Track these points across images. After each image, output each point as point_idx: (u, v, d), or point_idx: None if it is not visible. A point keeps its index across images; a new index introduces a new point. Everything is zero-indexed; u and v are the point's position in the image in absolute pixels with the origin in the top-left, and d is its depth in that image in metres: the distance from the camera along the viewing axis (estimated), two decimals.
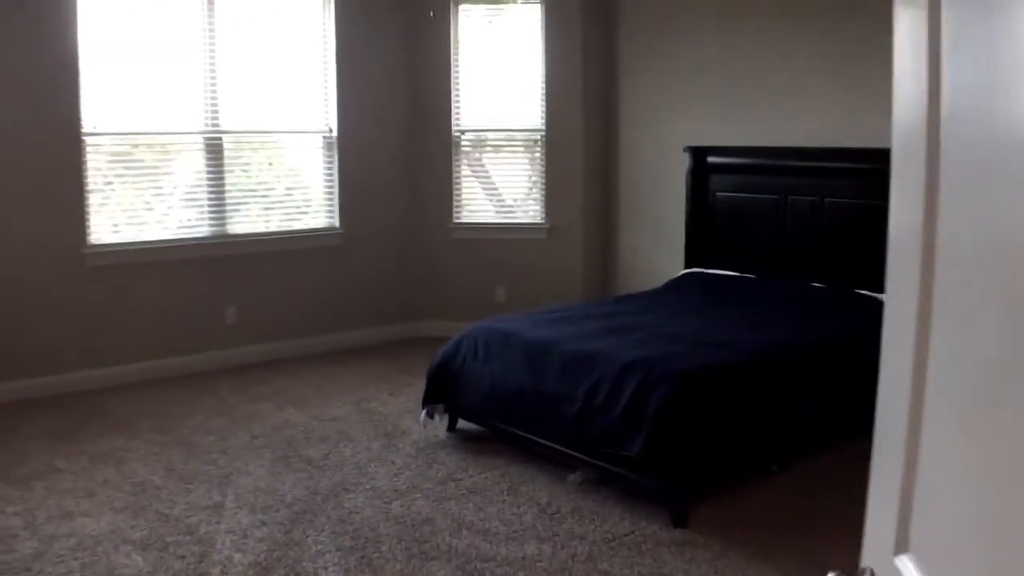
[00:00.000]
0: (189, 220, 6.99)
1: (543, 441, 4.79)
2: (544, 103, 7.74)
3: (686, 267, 6.95)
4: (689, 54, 7.20)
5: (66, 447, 5.35)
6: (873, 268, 6.04)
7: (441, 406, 5.39)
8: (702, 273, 6.70)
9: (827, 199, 6.19)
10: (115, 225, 6.69)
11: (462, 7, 7.71)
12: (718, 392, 4.37)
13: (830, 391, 4.96)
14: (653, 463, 4.16)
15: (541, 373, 4.76)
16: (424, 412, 5.39)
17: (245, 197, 7.25)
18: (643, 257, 7.71)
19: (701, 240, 6.94)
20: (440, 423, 5.48)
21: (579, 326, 5.19)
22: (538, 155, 7.84)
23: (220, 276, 7.06)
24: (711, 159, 6.90)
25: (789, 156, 6.43)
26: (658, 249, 7.53)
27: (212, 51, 6.86)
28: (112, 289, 6.60)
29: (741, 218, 6.72)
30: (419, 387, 5.88)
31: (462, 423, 5.47)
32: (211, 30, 6.85)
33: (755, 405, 4.53)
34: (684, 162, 6.99)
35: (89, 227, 6.51)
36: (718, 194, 6.88)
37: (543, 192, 7.84)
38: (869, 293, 5.74)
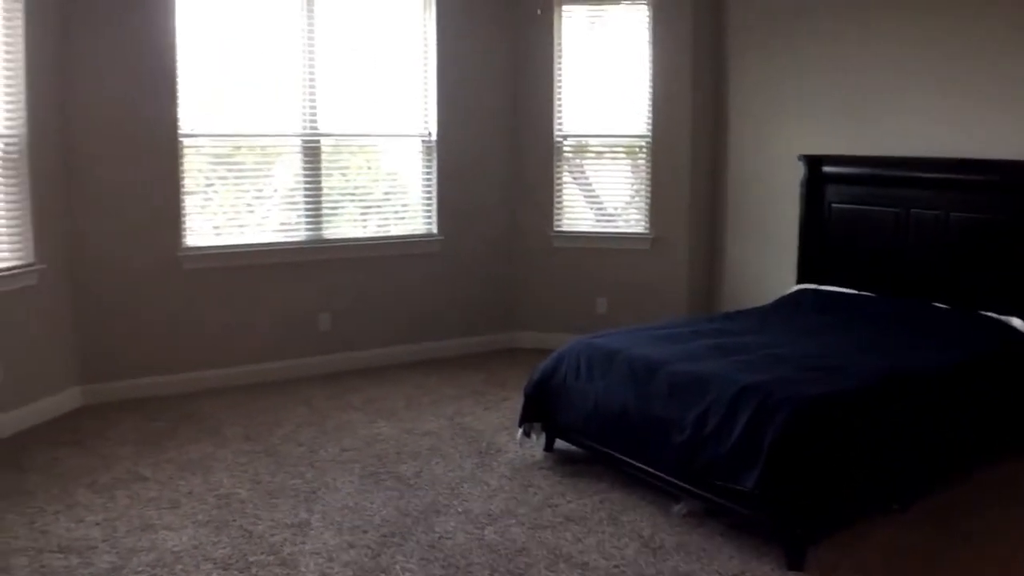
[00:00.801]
0: (286, 224, 6.87)
1: (647, 468, 4.48)
2: (650, 107, 7.42)
3: (798, 282, 6.57)
4: (804, 56, 6.82)
5: (154, 454, 5.23)
6: (1002, 288, 5.69)
7: (539, 425, 5.12)
8: (816, 290, 6.31)
9: (953, 213, 5.76)
10: (213, 228, 6.60)
11: (565, 8, 7.45)
12: (839, 422, 4.01)
13: (958, 421, 4.57)
14: (768, 498, 3.83)
15: (647, 395, 4.46)
16: (521, 430, 5.13)
17: (342, 201, 7.10)
18: (752, 271, 7.33)
19: (815, 254, 6.55)
20: (537, 442, 5.21)
21: (687, 344, 4.87)
22: (642, 162, 7.53)
23: (315, 281, 6.92)
24: (827, 168, 6.50)
25: (912, 167, 6.00)
26: (768, 263, 7.16)
27: (311, 52, 6.75)
28: (207, 292, 6.52)
29: (858, 232, 6.32)
30: (515, 402, 5.66)
31: (560, 443, 5.19)
32: (310, 31, 6.73)
33: (878, 436, 4.17)
34: (797, 171, 6.60)
35: (185, 230, 6.43)
36: (834, 206, 6.48)
37: (647, 200, 7.52)
38: (997, 316, 5.33)
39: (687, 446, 4.17)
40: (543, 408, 5.06)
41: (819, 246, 6.54)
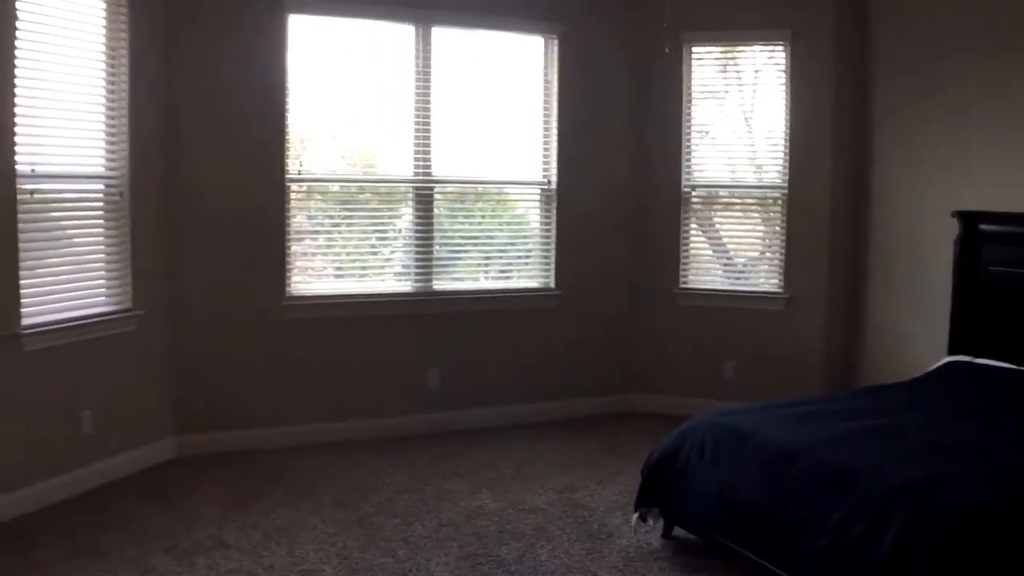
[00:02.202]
0: (394, 274, 6.55)
1: (778, 571, 3.90)
2: (786, 156, 6.88)
3: (949, 353, 5.89)
4: (958, 102, 6.14)
5: (240, 516, 4.91)
6: None
7: (656, 510, 4.60)
8: (971, 363, 5.61)
9: None
10: (317, 276, 6.35)
11: (694, 49, 6.99)
12: (1016, 535, 3.37)
13: None
14: None
15: (781, 487, 3.89)
16: (637, 514, 4.62)
17: (455, 252, 6.77)
18: (896, 338, 6.66)
19: (969, 322, 5.87)
20: (654, 527, 4.69)
21: (827, 426, 4.28)
22: (775, 214, 6.98)
23: (424, 335, 6.58)
24: (984, 227, 5.82)
25: None
26: (915, 330, 6.48)
27: (426, 96, 6.49)
28: (310, 343, 6.25)
29: (1020, 298, 5.63)
30: (631, 476, 5.19)
31: (679, 530, 4.65)
32: (425, 73, 6.46)
33: None
34: (951, 229, 5.93)
35: (290, 278, 6.17)
36: (991, 268, 5.80)
37: (782, 257, 6.96)
38: None
39: (827, 554, 3.58)
40: (662, 492, 4.52)
41: (974, 313, 5.85)
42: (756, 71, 7.02)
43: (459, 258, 6.81)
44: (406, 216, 6.57)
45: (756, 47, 6.97)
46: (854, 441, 4.09)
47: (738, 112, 7.08)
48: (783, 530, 3.81)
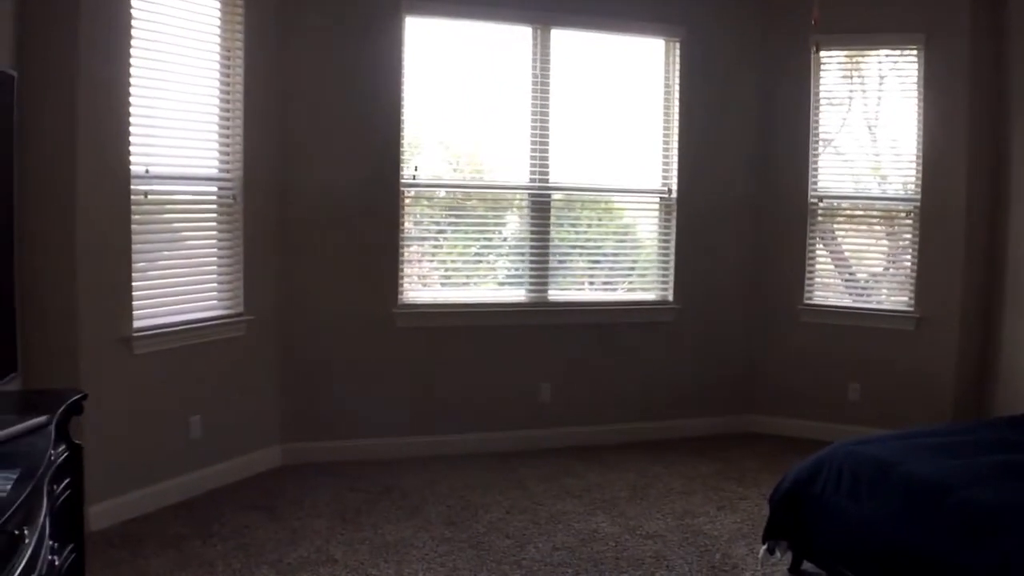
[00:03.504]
0: (510, 282, 6.40)
1: None
2: (919, 167, 6.49)
3: None
4: None
5: (348, 531, 4.76)
6: None
7: (785, 542, 4.29)
8: None
9: None
10: (433, 284, 6.23)
11: (824, 53, 6.64)
12: None
13: None
14: None
15: (929, 525, 3.54)
16: (764, 547, 4.30)
17: (570, 262, 6.57)
18: None
19: None
20: (781, 559, 4.37)
21: (974, 459, 3.91)
22: (903, 228, 6.60)
23: (538, 347, 6.38)
24: None
25: None
26: None
27: (544, 101, 6.32)
28: (421, 352, 6.13)
29: None
30: (754, 503, 4.95)
31: (808, 564, 4.33)
32: (544, 79, 6.30)
33: None
34: None
35: (403, 285, 6.03)
36: None
37: (912, 274, 6.57)
38: None
39: None
40: (793, 523, 4.21)
41: None
42: (882, 77, 6.66)
43: (573, 268, 6.60)
44: (512, 223, 6.40)
45: (886, 52, 6.60)
46: (1006, 476, 3.73)
47: (864, 120, 6.72)
48: (929, 571, 3.48)
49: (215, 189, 5.33)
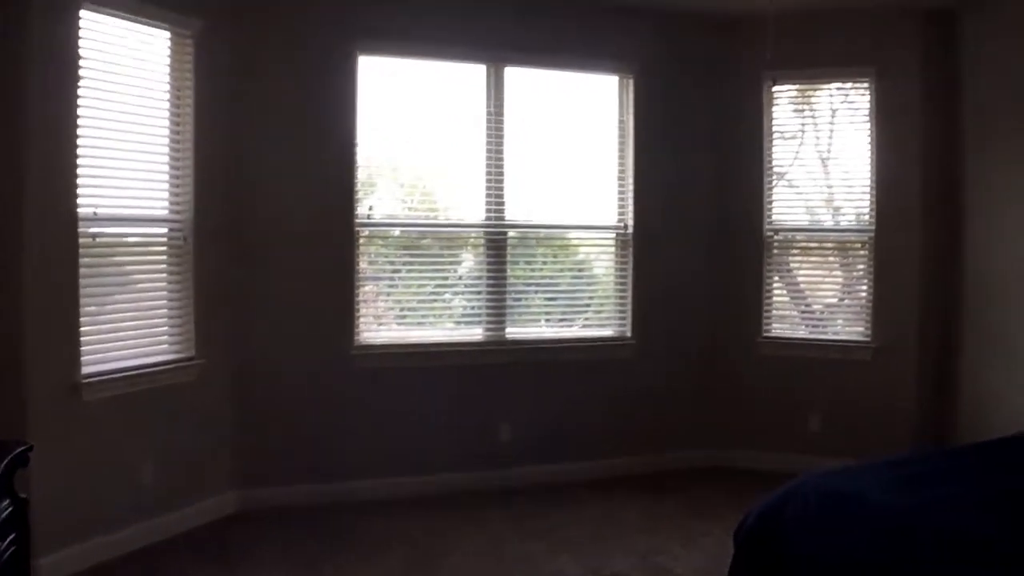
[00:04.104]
0: (467, 321, 6.34)
1: None
2: (872, 198, 6.55)
3: None
4: None
5: None
6: None
7: None
8: None
9: None
10: (389, 325, 6.14)
11: (776, 88, 6.69)
12: None
13: None
14: None
15: (901, 556, 3.50)
16: None
17: (527, 300, 6.51)
18: (994, 391, 6.20)
19: None
20: None
21: (944, 489, 3.88)
22: (860, 259, 6.64)
23: (496, 386, 6.30)
24: None
25: None
26: (1012, 381, 6.03)
27: (498, 137, 6.29)
28: (378, 394, 6.01)
29: None
30: (718, 539, 4.92)
31: None
32: (498, 116, 6.28)
33: None
34: None
35: (359, 326, 5.95)
36: None
37: (868, 305, 6.60)
38: None
39: None
40: (759, 559, 4.14)
41: None
42: (834, 110, 6.73)
43: (530, 305, 6.55)
44: (469, 261, 6.34)
45: (838, 85, 6.68)
46: (976, 508, 3.69)
47: (817, 153, 6.77)
48: None
49: (165, 231, 5.23)
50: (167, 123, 5.20)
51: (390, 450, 6.04)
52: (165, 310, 5.26)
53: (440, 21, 6.07)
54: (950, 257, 6.51)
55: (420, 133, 6.14)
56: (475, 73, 6.23)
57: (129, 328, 5.05)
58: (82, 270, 4.64)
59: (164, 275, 5.25)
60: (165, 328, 5.26)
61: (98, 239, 4.78)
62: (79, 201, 4.61)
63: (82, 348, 4.67)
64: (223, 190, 5.53)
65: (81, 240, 4.63)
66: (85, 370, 4.68)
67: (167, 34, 5.15)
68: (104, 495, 4.81)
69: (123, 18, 4.83)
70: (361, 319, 6.02)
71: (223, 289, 5.54)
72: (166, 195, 5.23)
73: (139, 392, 4.98)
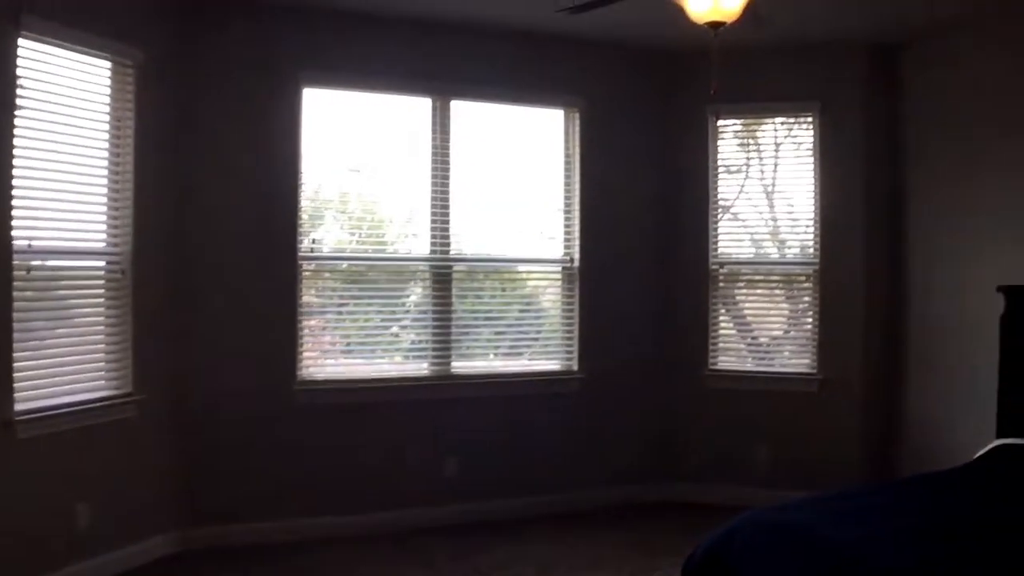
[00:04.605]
0: (404, 355, 6.27)
1: None
2: (816, 231, 6.60)
3: (998, 436, 5.51)
4: (1001, 169, 5.87)
5: None
6: None
7: None
8: (1022, 447, 5.24)
9: None
10: (327, 356, 6.06)
11: (720, 121, 6.76)
12: None
13: None
14: None
15: None
16: None
17: (473, 334, 6.45)
18: (938, 421, 6.27)
19: (1018, 403, 5.50)
20: None
21: (892, 522, 3.88)
22: (805, 292, 6.68)
23: (442, 421, 6.23)
24: None
25: None
26: (958, 412, 6.10)
27: (444, 171, 6.28)
28: (322, 430, 5.91)
29: None
30: (665, 573, 4.84)
31: None
32: (444, 148, 6.26)
33: None
34: (996, 304, 5.61)
35: (301, 361, 5.85)
36: None
37: (814, 337, 6.64)
38: None
39: None
40: None
41: (1023, 393, 5.51)
42: (778, 143, 6.80)
43: (476, 340, 6.50)
44: (417, 294, 6.29)
45: (782, 120, 6.75)
46: (923, 542, 3.66)
47: (762, 186, 6.83)
48: None
49: (103, 264, 5.12)
50: (107, 154, 5.10)
51: (334, 487, 5.94)
52: (103, 345, 5.13)
53: (385, 54, 6.06)
54: (893, 289, 6.60)
55: (367, 165, 6.11)
56: (421, 106, 6.21)
57: (65, 363, 4.91)
58: (16, 304, 4.51)
59: (102, 309, 5.13)
60: (102, 363, 5.13)
61: (33, 272, 4.66)
62: (13, 233, 4.49)
63: (15, 384, 4.52)
64: (164, 222, 5.44)
65: (15, 273, 4.51)
66: (19, 407, 4.53)
67: (108, 64, 5.07)
68: (39, 535, 4.65)
69: (62, 47, 4.74)
70: (305, 354, 5.93)
71: (163, 323, 5.44)
72: (104, 227, 5.12)
73: (76, 429, 4.84)
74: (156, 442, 5.42)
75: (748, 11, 3.99)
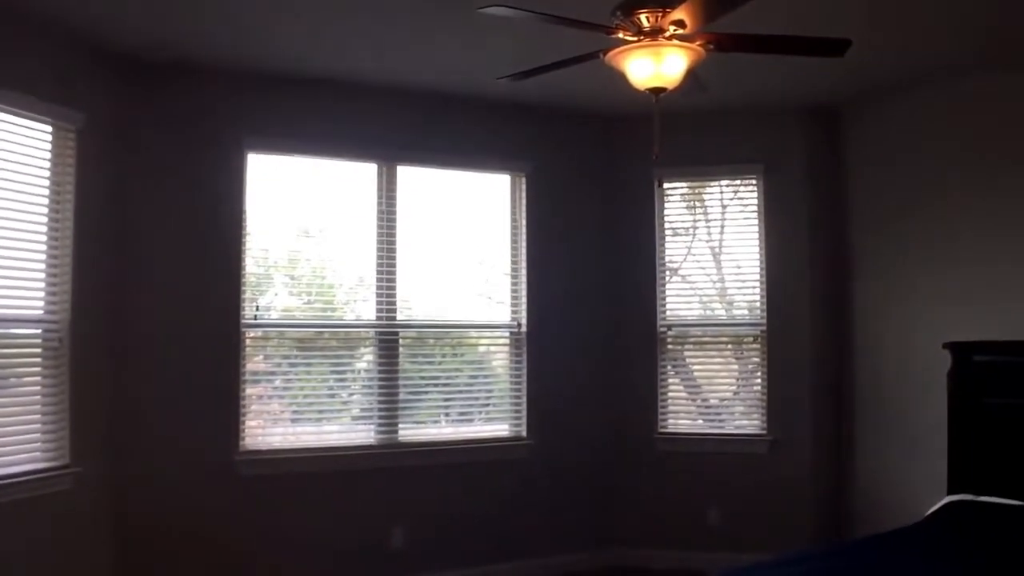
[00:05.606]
0: (353, 418, 6.17)
1: None
2: (763, 292, 6.65)
3: (949, 492, 5.52)
4: (943, 228, 5.98)
5: None
6: None
7: None
8: (973, 502, 5.23)
9: None
10: (273, 423, 5.97)
11: (666, 185, 6.82)
12: None
13: None
14: None
15: None
16: None
17: (419, 400, 6.36)
18: (890, 477, 6.28)
19: (968, 458, 5.52)
20: None
21: None
22: (754, 352, 6.70)
23: (388, 490, 6.12)
24: (978, 357, 5.54)
25: None
26: (909, 469, 6.11)
27: (391, 235, 6.25)
28: (265, 502, 5.76)
29: (1022, 430, 5.31)
30: None
31: None
32: (390, 213, 6.25)
33: None
34: (943, 361, 5.64)
35: (244, 431, 5.75)
36: (988, 400, 5.49)
37: (762, 398, 6.65)
38: None
39: None
40: None
41: (972, 448, 5.51)
42: (724, 206, 6.86)
43: (423, 406, 6.41)
44: (366, 359, 6.21)
45: (726, 181, 6.81)
46: None
47: (708, 249, 6.88)
48: None
49: (40, 331, 4.99)
50: (46, 219, 5.00)
51: (279, 560, 5.77)
52: (38, 416, 4.96)
53: (329, 120, 6.05)
54: (841, 349, 6.64)
55: (315, 229, 6.07)
56: (366, 171, 6.19)
57: (0, 434, 4.75)
58: None
59: (38, 378, 4.97)
60: (39, 435, 4.96)
61: None
62: None
63: None
64: (103, 289, 5.33)
65: None
66: None
67: (48, 128, 5.00)
68: None
69: (1, 111, 4.68)
70: (248, 423, 5.81)
71: (101, 393, 5.31)
72: (42, 294, 4.99)
73: (10, 502, 4.66)
74: (93, 515, 5.25)
75: (690, 77, 4.04)
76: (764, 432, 6.62)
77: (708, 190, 6.90)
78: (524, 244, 6.63)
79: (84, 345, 5.15)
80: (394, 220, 6.21)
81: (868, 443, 6.47)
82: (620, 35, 3.88)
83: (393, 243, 6.20)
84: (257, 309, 5.89)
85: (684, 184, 6.90)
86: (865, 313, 6.52)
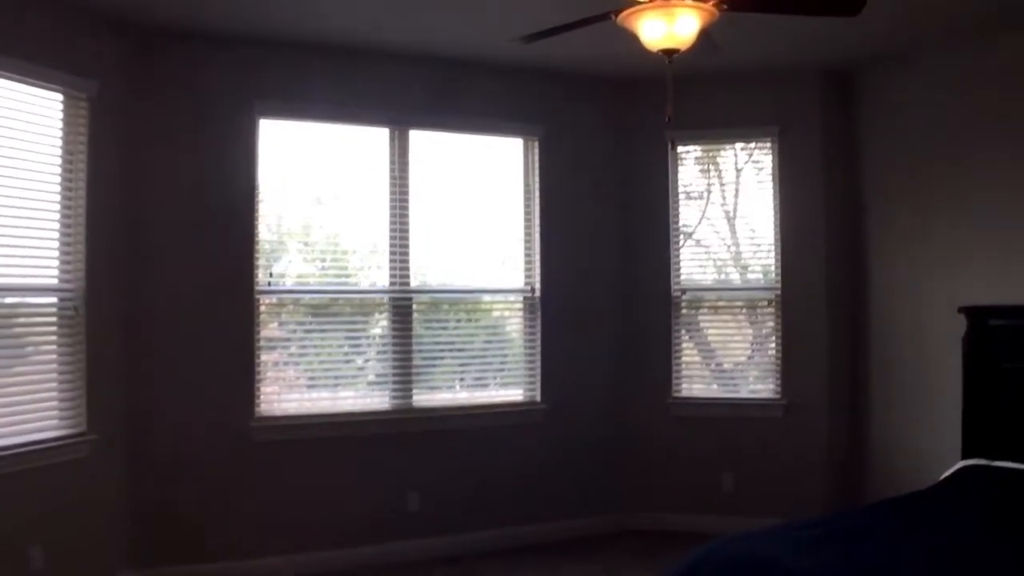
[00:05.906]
0: (368, 384, 6.16)
1: None
2: (778, 256, 6.60)
3: (963, 457, 5.51)
4: (958, 191, 5.92)
5: None
6: None
7: None
8: (988, 467, 5.22)
9: None
10: (288, 389, 5.98)
11: (680, 148, 6.76)
12: None
13: None
14: None
15: None
16: None
17: (434, 366, 6.36)
18: (904, 442, 6.27)
19: (983, 423, 5.51)
20: None
21: (858, 548, 3.85)
22: (768, 317, 6.67)
23: (404, 455, 6.15)
24: (994, 322, 5.51)
25: None
26: (923, 433, 6.11)
27: (404, 201, 6.22)
28: (281, 468, 5.80)
29: None
30: None
31: None
32: (403, 178, 6.21)
33: None
34: (958, 325, 5.63)
35: (259, 397, 5.77)
36: (1004, 365, 5.48)
37: (777, 362, 6.63)
38: None
39: None
40: None
41: (987, 413, 5.50)
42: (738, 169, 6.80)
43: (438, 372, 6.42)
44: (380, 325, 6.21)
45: (742, 145, 6.75)
46: (891, 568, 3.64)
47: (723, 212, 6.83)
48: None
49: (55, 300, 5.01)
50: (59, 188, 5.01)
51: (295, 525, 5.82)
52: (55, 383, 5.01)
53: (341, 85, 6.01)
54: (856, 313, 6.61)
55: (328, 195, 6.05)
56: (378, 136, 6.17)
57: (16, 403, 4.78)
58: None
59: (54, 347, 5.01)
60: (55, 403, 5.01)
61: None
62: None
63: None
64: (118, 258, 5.35)
65: None
66: None
67: (60, 96, 4.99)
68: None
69: (12, 79, 4.67)
70: (264, 389, 5.83)
71: (117, 361, 5.34)
72: (56, 263, 5.01)
73: (27, 470, 4.71)
74: (111, 481, 5.30)
75: (703, 38, 3.99)
76: (778, 396, 6.61)
77: (722, 153, 6.84)
78: (537, 208, 6.60)
79: (99, 313, 5.18)
80: (407, 185, 6.19)
81: (882, 407, 6.45)
82: None
83: (406, 208, 6.19)
84: (271, 276, 5.90)
85: (698, 147, 6.84)
86: (879, 276, 6.48)
